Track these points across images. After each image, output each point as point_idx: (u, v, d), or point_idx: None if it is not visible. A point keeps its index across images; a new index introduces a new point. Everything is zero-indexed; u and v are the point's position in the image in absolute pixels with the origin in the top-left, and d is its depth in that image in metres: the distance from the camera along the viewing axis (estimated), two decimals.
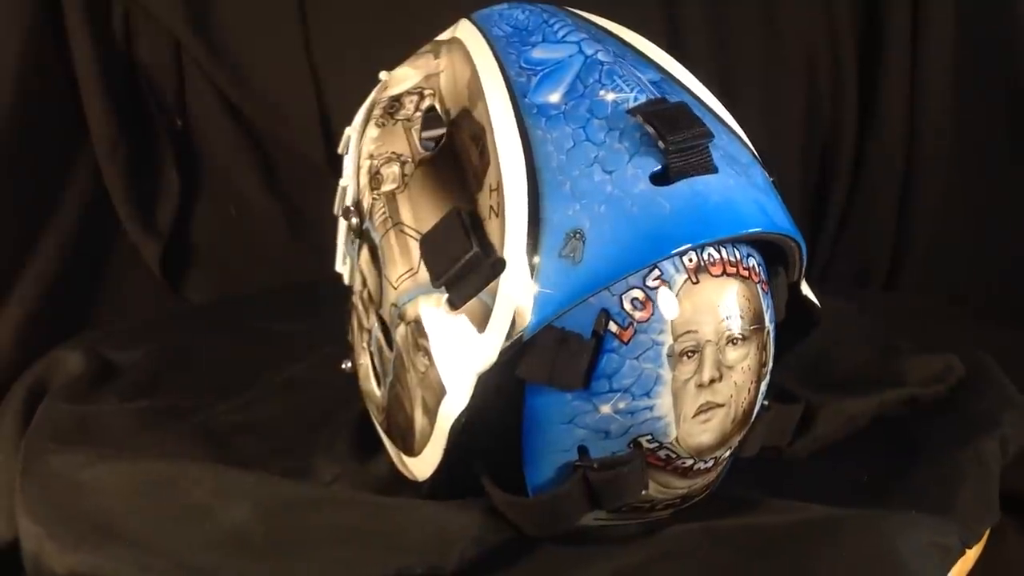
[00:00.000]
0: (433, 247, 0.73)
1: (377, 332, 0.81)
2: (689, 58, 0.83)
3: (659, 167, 0.71)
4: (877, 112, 1.37)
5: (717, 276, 0.73)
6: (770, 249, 0.77)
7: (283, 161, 1.42)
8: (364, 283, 0.82)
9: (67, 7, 1.29)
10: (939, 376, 0.96)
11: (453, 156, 0.75)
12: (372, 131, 0.82)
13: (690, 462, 0.76)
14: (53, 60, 1.29)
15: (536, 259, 0.69)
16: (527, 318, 0.69)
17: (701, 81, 0.82)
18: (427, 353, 0.74)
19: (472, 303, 0.71)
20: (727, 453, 0.78)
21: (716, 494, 0.81)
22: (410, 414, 0.78)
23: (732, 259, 0.74)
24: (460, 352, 0.72)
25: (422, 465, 0.78)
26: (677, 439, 0.74)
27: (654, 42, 0.84)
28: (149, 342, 1.08)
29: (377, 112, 0.83)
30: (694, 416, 0.74)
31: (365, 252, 0.81)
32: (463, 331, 0.72)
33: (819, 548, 0.71)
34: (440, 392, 0.73)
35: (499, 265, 0.71)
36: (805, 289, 0.82)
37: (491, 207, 0.72)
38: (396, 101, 0.82)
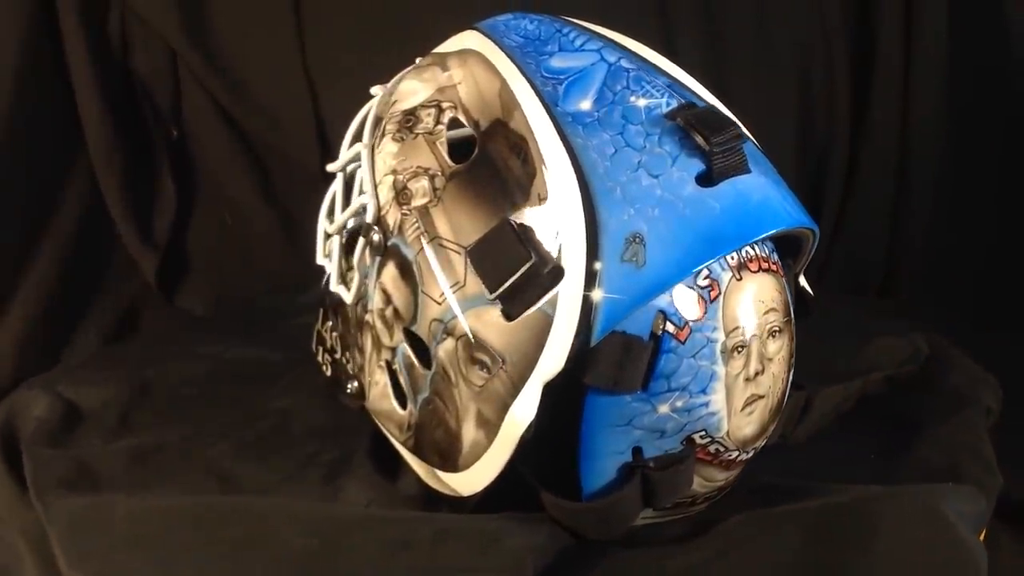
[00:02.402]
0: (485, 259, 0.73)
1: (404, 349, 0.80)
2: (682, 64, 0.84)
3: (701, 169, 0.73)
4: (870, 117, 1.38)
5: (755, 272, 0.75)
6: (780, 243, 0.81)
7: (278, 169, 1.41)
8: (388, 300, 0.80)
9: (63, 15, 1.28)
10: (910, 357, 1.02)
11: (490, 167, 0.75)
12: (390, 146, 0.81)
13: (735, 454, 0.78)
14: (49, 68, 1.29)
15: (598, 265, 0.70)
16: (594, 324, 0.70)
17: None
18: (485, 366, 0.73)
19: (530, 313, 0.72)
20: (763, 443, 0.81)
21: (741, 485, 0.84)
22: (455, 429, 0.77)
23: (763, 255, 0.77)
24: (523, 363, 0.72)
25: (471, 479, 0.77)
26: (728, 433, 0.76)
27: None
28: (106, 380, 1.02)
29: (391, 127, 0.81)
30: (742, 409, 0.76)
31: (391, 268, 0.79)
32: (523, 341, 0.72)
33: (875, 522, 0.74)
34: (502, 404, 0.73)
35: (558, 273, 0.71)
36: (801, 279, 0.86)
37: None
38: (411, 115, 0.81)
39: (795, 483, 0.83)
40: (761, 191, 0.75)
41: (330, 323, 0.98)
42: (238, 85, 1.36)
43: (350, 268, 0.90)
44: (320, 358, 1.01)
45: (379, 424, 0.88)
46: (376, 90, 0.89)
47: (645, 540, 0.78)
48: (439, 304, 0.76)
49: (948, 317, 1.21)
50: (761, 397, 0.77)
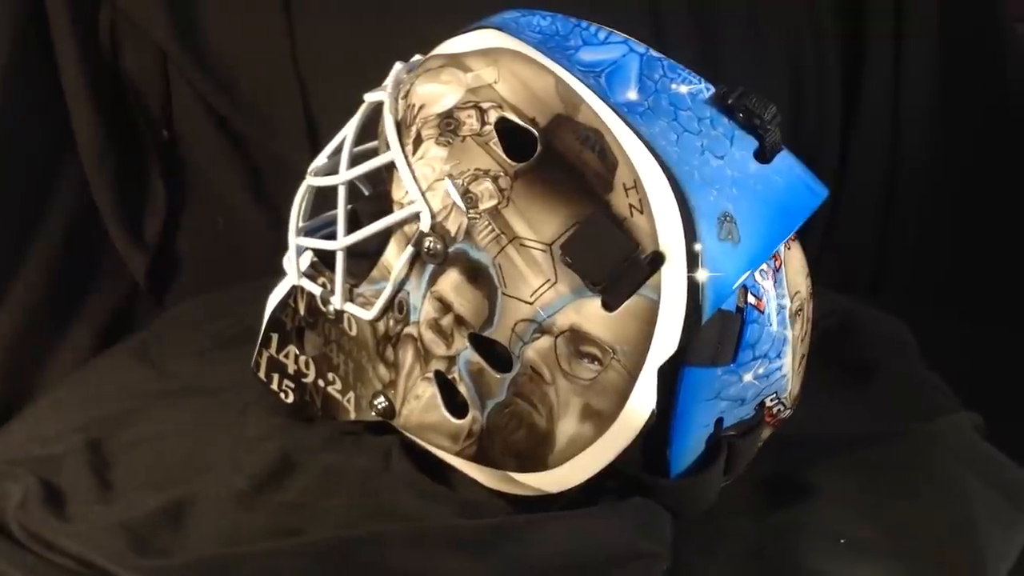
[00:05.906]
0: (582, 252, 0.73)
1: (469, 355, 0.78)
2: (672, 58, 0.87)
3: (755, 147, 0.77)
4: (860, 118, 1.40)
5: (794, 241, 0.81)
6: None
7: (270, 171, 1.38)
8: (446, 309, 0.78)
9: (52, 17, 1.28)
10: (830, 311, 1.12)
11: (561, 163, 0.75)
12: (435, 150, 0.78)
13: (788, 412, 0.83)
14: (39, 70, 1.29)
15: (697, 246, 0.72)
16: (703, 304, 0.72)
17: None
18: (595, 359, 0.74)
19: (631, 301, 0.73)
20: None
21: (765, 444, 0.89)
22: (544, 427, 0.77)
23: None
24: (635, 351, 0.73)
25: (565, 475, 0.77)
26: (789, 392, 0.81)
27: None
28: (56, 447, 0.91)
29: (429, 131, 0.79)
30: (796, 369, 0.82)
31: (453, 275, 0.78)
32: (632, 329, 0.73)
33: (931, 456, 0.83)
34: (619, 394, 0.74)
35: (658, 259, 0.73)
36: None
37: (631, 205, 0.73)
38: (449, 118, 0.79)
39: (828, 435, 0.90)
40: (800, 164, 0.80)
41: (292, 347, 0.93)
42: (229, 85, 1.34)
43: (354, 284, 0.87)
44: (276, 385, 0.96)
45: (417, 438, 0.85)
46: (372, 96, 0.85)
47: (730, 510, 0.81)
48: (529, 304, 0.75)
49: (939, 313, 1.23)
50: (804, 356, 0.83)
